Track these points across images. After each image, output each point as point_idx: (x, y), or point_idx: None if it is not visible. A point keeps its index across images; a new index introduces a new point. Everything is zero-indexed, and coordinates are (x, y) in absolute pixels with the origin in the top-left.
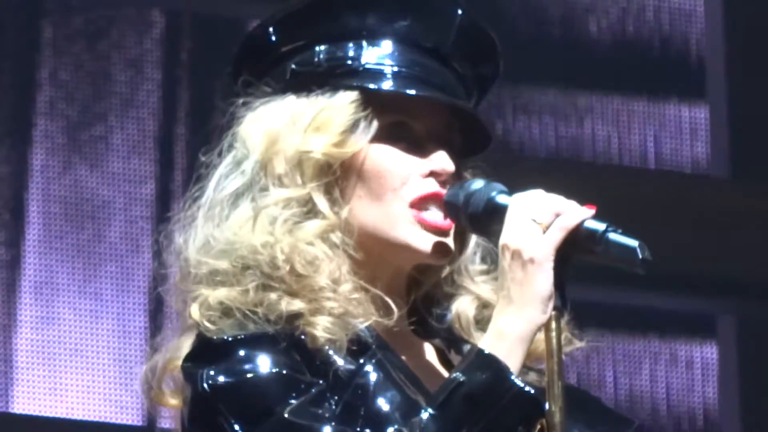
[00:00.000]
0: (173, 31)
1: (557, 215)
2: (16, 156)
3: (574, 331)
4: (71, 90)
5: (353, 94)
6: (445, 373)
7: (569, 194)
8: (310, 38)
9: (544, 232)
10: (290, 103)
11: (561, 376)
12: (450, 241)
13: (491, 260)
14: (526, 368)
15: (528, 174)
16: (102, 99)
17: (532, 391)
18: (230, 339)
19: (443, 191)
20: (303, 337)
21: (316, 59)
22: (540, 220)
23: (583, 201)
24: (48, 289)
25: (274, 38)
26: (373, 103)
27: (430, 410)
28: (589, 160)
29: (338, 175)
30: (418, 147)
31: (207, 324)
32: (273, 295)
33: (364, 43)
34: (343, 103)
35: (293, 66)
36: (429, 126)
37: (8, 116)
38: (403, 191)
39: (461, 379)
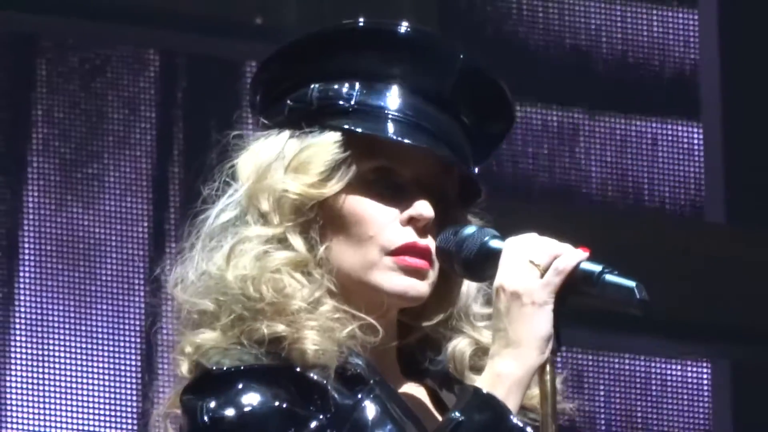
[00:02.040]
0: (168, 70)
1: (554, 257)
2: (10, 194)
3: (565, 391)
4: (66, 128)
5: (336, 135)
6: (437, 411)
7: (562, 238)
8: (306, 75)
9: (541, 274)
10: (282, 140)
11: (555, 419)
12: (426, 283)
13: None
14: (522, 410)
15: (521, 217)
16: (97, 138)
17: (531, 431)
18: (229, 370)
19: (420, 240)
20: (292, 362)
21: (308, 97)
22: (537, 261)
23: (576, 245)
24: (41, 328)
25: (274, 74)
26: (357, 145)
27: None
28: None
29: (316, 215)
30: (401, 193)
31: (201, 360)
32: (255, 323)
33: (357, 85)
34: (325, 143)
35: (289, 102)
36: (415, 172)
37: (2, 154)
38: (380, 239)
39: (461, 419)
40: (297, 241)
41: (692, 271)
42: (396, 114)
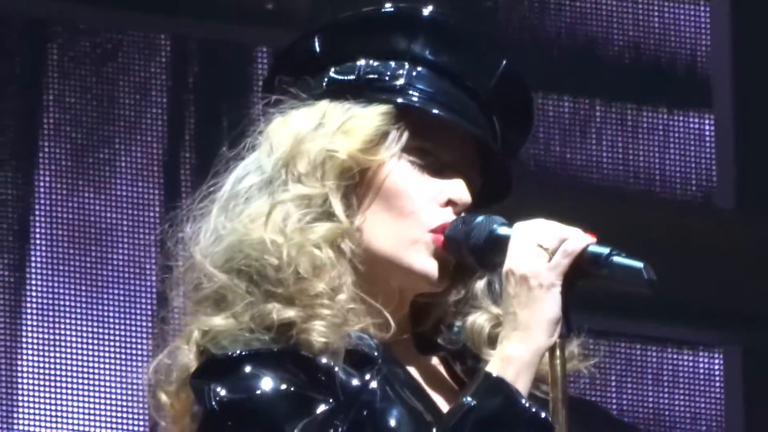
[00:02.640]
0: (180, 55)
1: (562, 240)
2: (21, 179)
3: (583, 352)
4: (77, 113)
5: (386, 107)
6: (452, 384)
7: (572, 223)
8: (355, 51)
9: (550, 258)
10: (322, 108)
11: (565, 404)
12: (450, 266)
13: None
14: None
15: (530, 201)
16: (108, 123)
17: (544, 415)
18: (235, 355)
19: None
20: (299, 348)
21: (357, 71)
22: (545, 245)
23: (585, 231)
24: (52, 313)
25: (318, 47)
26: (404, 122)
27: None
28: (593, 185)
29: (357, 182)
30: (440, 174)
31: (208, 344)
32: (267, 306)
33: (407, 65)
34: (375, 113)
35: (332, 74)
36: (454, 156)
37: (14, 139)
38: (420, 216)
39: (472, 404)
40: (338, 204)
41: (703, 257)
42: (441, 98)
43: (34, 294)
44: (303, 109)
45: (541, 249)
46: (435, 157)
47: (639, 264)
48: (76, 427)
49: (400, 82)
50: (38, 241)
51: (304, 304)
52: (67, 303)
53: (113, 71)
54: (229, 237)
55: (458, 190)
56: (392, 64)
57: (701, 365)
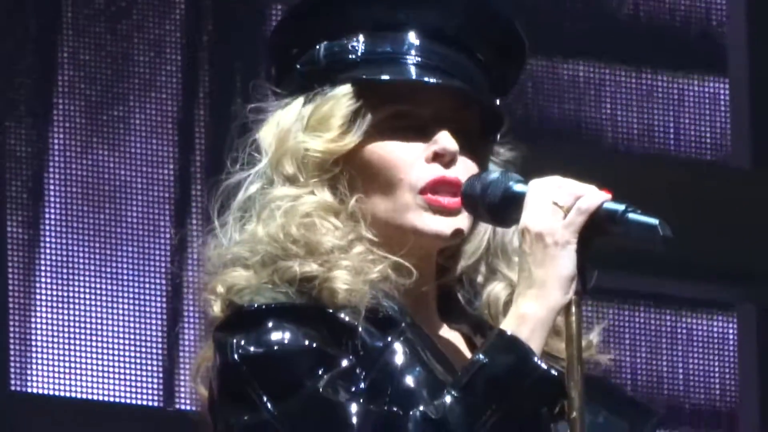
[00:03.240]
0: (194, 12)
1: (577, 198)
2: (35, 136)
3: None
4: (91, 71)
5: (347, 88)
6: (471, 353)
7: (587, 181)
8: (313, 37)
9: (565, 215)
10: (298, 104)
11: (580, 361)
12: (461, 220)
13: None
14: (544, 353)
15: (545, 160)
16: (122, 80)
17: (556, 373)
18: (260, 308)
19: (448, 174)
20: (322, 302)
21: (317, 57)
22: (561, 203)
23: (600, 187)
24: (66, 270)
25: (284, 42)
26: (371, 93)
27: (453, 393)
28: (608, 145)
29: (342, 170)
30: (422, 132)
31: (233, 297)
32: (288, 262)
33: (362, 36)
34: (338, 97)
35: (299, 67)
36: (432, 110)
37: (29, 97)
38: (409, 179)
39: (484, 361)
40: (326, 193)
41: (717, 215)
42: (404, 57)
43: (48, 251)
44: (282, 109)
45: (556, 206)
46: (413, 115)
47: (654, 221)
48: (90, 384)
49: (357, 54)
50: (52, 199)
51: (321, 260)
52: (81, 260)
53: (128, 29)
54: (237, 245)
55: (442, 140)
56: (348, 38)
57: (716, 327)
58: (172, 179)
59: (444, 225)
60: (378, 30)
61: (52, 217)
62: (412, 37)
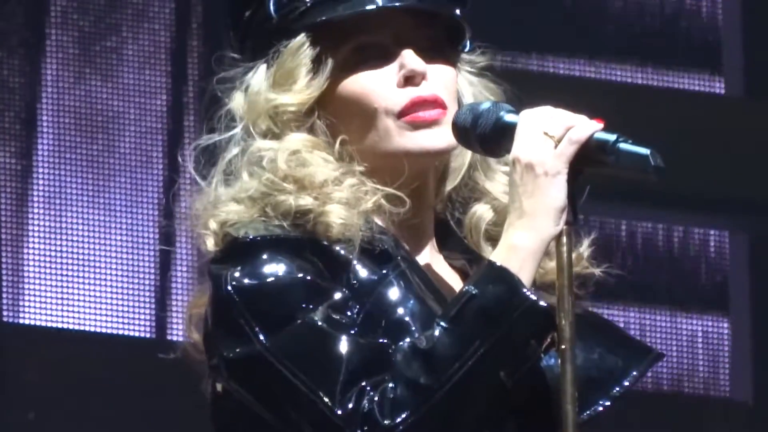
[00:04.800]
0: None
1: (568, 128)
2: (28, 67)
3: (591, 259)
4: (84, 1)
5: (302, 37)
6: None
7: (580, 112)
8: None
9: (556, 145)
10: (262, 66)
11: (571, 291)
12: (445, 130)
13: None
14: (535, 284)
15: (538, 91)
16: (115, 10)
17: (545, 304)
18: (255, 240)
19: (423, 92)
20: (317, 235)
21: (268, 14)
22: (551, 133)
23: (593, 118)
24: (59, 201)
25: (236, 7)
26: (327, 35)
27: (442, 323)
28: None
29: (317, 117)
30: (386, 57)
31: (228, 230)
32: (282, 195)
33: None
34: (295, 48)
35: (254, 28)
36: (393, 34)
37: (21, 27)
38: (385, 106)
39: (473, 292)
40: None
41: (711, 145)
42: None
43: (40, 182)
44: (248, 74)
45: (546, 136)
46: (375, 46)
47: (646, 150)
48: (82, 315)
49: (305, 0)
50: (45, 129)
51: (315, 194)
52: (74, 191)
53: None
54: (229, 195)
55: (408, 62)
56: None
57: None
58: (165, 110)
59: (432, 138)
60: None
61: (45, 147)
62: None
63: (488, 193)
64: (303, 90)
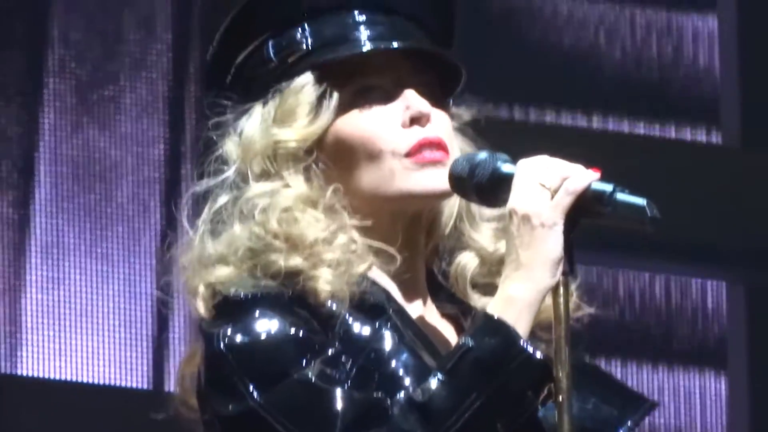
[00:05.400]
0: None
1: (564, 179)
2: (26, 115)
3: (582, 298)
4: (82, 50)
5: (307, 76)
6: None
7: (577, 161)
8: (255, 39)
9: (552, 196)
10: (257, 108)
11: (568, 342)
12: (446, 174)
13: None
14: (532, 335)
15: (534, 140)
16: (113, 60)
17: (542, 357)
18: (246, 296)
19: (429, 134)
20: (306, 295)
21: (267, 57)
22: (548, 184)
23: (589, 167)
24: (56, 250)
25: (226, 53)
26: (331, 77)
27: (439, 375)
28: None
29: (315, 157)
30: (388, 99)
31: (218, 288)
32: (272, 255)
33: (306, 24)
34: (300, 86)
35: (249, 72)
36: (394, 77)
37: (19, 75)
38: (391, 147)
39: (470, 344)
40: (301, 185)
41: (708, 195)
42: (353, 33)
43: (38, 231)
44: (242, 117)
45: (543, 187)
46: (376, 89)
47: (642, 201)
48: (79, 365)
49: (307, 42)
50: (43, 179)
51: (306, 254)
52: (71, 240)
53: (118, 7)
54: (215, 252)
55: (413, 103)
56: (292, 31)
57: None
58: (163, 159)
59: (437, 179)
60: (318, 16)
61: (42, 197)
62: (354, 15)
63: (474, 243)
64: (305, 127)
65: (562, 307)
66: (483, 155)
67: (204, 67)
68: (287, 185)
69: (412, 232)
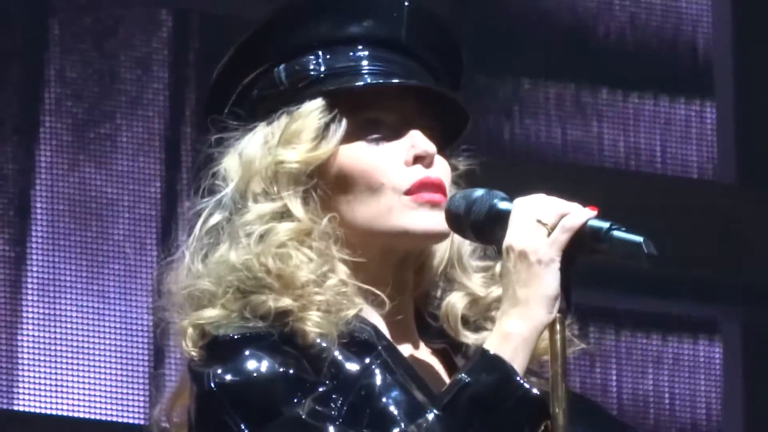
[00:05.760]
0: (181, 30)
1: (561, 216)
2: (22, 154)
3: (576, 333)
4: (79, 88)
5: (318, 101)
6: (449, 375)
7: (574, 199)
8: (267, 61)
9: (549, 233)
10: (261, 128)
11: (565, 379)
12: (443, 216)
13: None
14: (529, 371)
15: (532, 179)
16: (109, 98)
17: (538, 393)
18: (236, 337)
19: (431, 174)
20: (294, 336)
21: (277, 80)
22: (545, 221)
23: (587, 205)
24: (53, 287)
25: (234, 73)
26: (340, 105)
27: (435, 411)
28: (595, 163)
29: (315, 184)
30: (393, 136)
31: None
32: (261, 297)
33: (320, 53)
34: (309, 110)
35: (257, 93)
36: (400, 115)
37: (16, 114)
38: (392, 182)
39: (467, 380)
40: (298, 209)
41: (703, 231)
42: (364, 68)
43: (34, 269)
44: (246, 135)
45: (540, 224)
46: (383, 122)
47: (639, 238)
48: (76, 401)
49: (320, 70)
50: (39, 216)
51: (296, 295)
52: (68, 278)
53: (115, 46)
54: (204, 277)
55: (419, 143)
56: (307, 57)
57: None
58: (159, 197)
59: (433, 220)
60: (331, 45)
61: (39, 234)
62: (366, 50)
63: (465, 288)
64: (309, 151)
65: (558, 343)
66: (479, 192)
67: (211, 83)
68: (286, 209)
69: (402, 272)
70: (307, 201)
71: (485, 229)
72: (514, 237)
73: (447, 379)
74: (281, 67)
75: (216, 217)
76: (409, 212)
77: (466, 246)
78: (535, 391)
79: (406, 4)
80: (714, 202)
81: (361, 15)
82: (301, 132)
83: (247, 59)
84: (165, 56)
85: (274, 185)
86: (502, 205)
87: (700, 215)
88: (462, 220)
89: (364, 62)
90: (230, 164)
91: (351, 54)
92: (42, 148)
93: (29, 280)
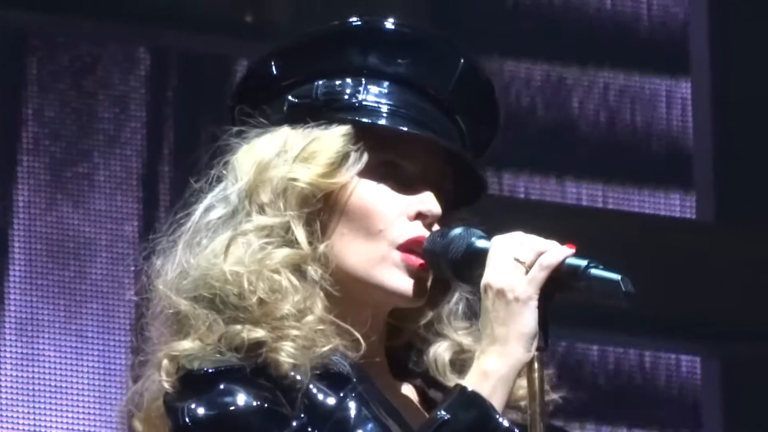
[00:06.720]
0: (159, 68)
1: (539, 254)
2: (0, 192)
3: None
4: (56, 127)
5: (346, 128)
6: (425, 411)
7: (551, 236)
8: (310, 72)
9: (527, 271)
10: (283, 134)
11: (543, 417)
12: (427, 286)
13: (472, 315)
14: (508, 406)
15: (510, 216)
16: (87, 137)
17: (517, 431)
18: (210, 371)
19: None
20: (268, 368)
21: (314, 93)
22: (522, 259)
23: (564, 242)
24: (30, 327)
25: (275, 71)
26: (365, 139)
27: None
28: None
29: (321, 208)
30: (408, 187)
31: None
32: (235, 327)
33: (363, 81)
34: (335, 135)
35: (291, 98)
36: (421, 168)
37: None
38: (389, 233)
39: (446, 417)
40: (300, 232)
41: (681, 269)
42: (402, 111)
43: (12, 308)
44: (265, 136)
45: (518, 262)
46: (402, 169)
47: (617, 276)
48: None
49: (358, 98)
50: (17, 255)
51: (272, 326)
52: (46, 317)
53: (92, 85)
54: (193, 272)
55: (427, 202)
56: (348, 80)
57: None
58: (137, 236)
59: (411, 286)
60: (376, 77)
61: (17, 273)
62: (408, 92)
63: (452, 339)
64: (326, 175)
65: (537, 382)
66: (458, 230)
67: (246, 73)
68: (288, 227)
69: (381, 317)
70: (311, 224)
71: (463, 267)
72: (492, 275)
73: (423, 413)
74: (321, 82)
75: (218, 210)
76: (394, 270)
77: (456, 301)
78: (513, 428)
79: (462, 61)
80: (693, 239)
81: (416, 56)
82: (321, 154)
83: (292, 62)
84: (143, 95)
85: (281, 200)
86: (480, 243)
87: (678, 254)
88: (440, 259)
89: (402, 105)
90: (243, 160)
91: (393, 93)
92: (20, 187)
93: (7, 319)
